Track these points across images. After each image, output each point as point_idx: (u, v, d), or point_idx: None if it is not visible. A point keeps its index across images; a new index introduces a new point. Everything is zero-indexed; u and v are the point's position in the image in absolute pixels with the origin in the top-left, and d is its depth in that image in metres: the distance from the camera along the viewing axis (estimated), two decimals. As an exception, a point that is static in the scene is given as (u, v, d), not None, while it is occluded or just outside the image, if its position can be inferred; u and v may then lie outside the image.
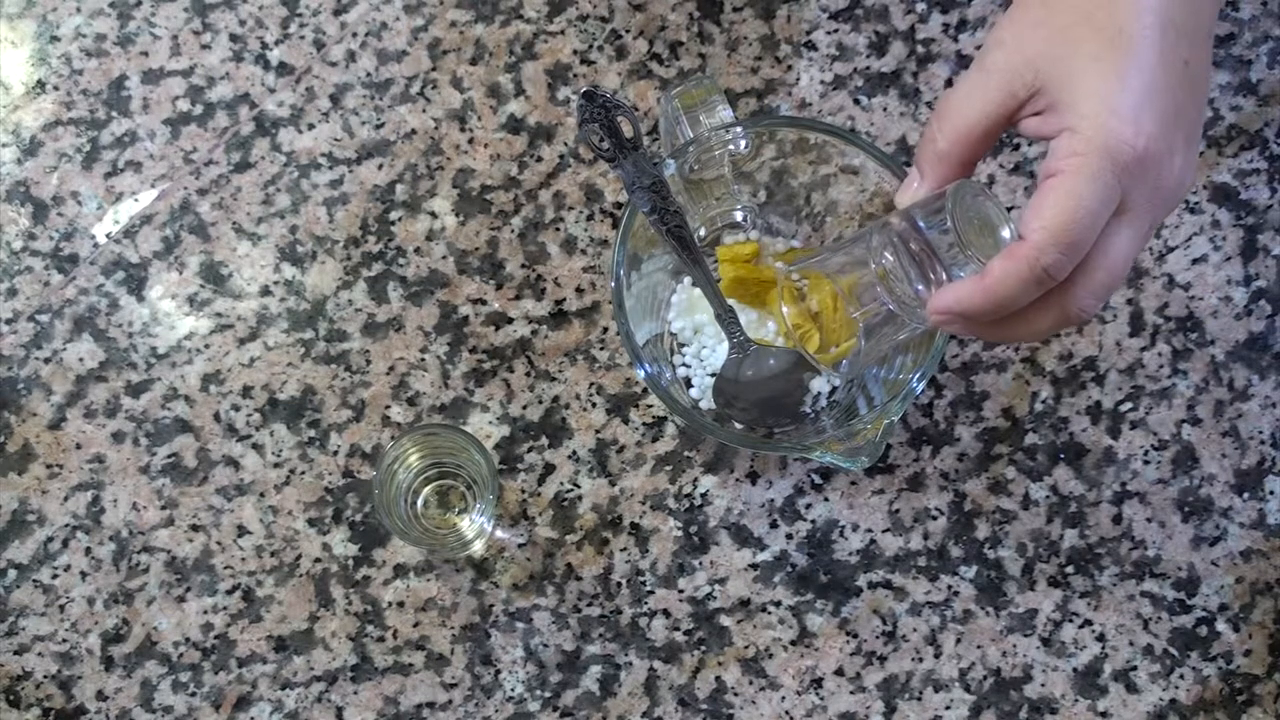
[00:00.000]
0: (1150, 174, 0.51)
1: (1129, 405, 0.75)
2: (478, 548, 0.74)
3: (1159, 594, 0.74)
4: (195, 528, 0.74)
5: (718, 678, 0.73)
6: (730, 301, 0.70)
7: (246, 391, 0.75)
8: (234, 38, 0.78)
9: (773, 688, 0.73)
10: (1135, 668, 0.73)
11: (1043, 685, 0.73)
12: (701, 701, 0.73)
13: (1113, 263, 0.52)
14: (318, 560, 0.74)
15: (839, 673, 0.73)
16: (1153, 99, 0.51)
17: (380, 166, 0.77)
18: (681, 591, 0.74)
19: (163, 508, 0.74)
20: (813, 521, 0.74)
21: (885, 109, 0.77)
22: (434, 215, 0.76)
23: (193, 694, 0.73)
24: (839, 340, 0.71)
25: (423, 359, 0.75)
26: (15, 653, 0.73)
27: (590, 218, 0.76)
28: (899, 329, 0.58)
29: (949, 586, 0.74)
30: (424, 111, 0.77)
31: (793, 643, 0.73)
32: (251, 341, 0.75)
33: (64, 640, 0.73)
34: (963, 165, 0.55)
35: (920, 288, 0.55)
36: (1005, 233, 0.53)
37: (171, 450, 0.74)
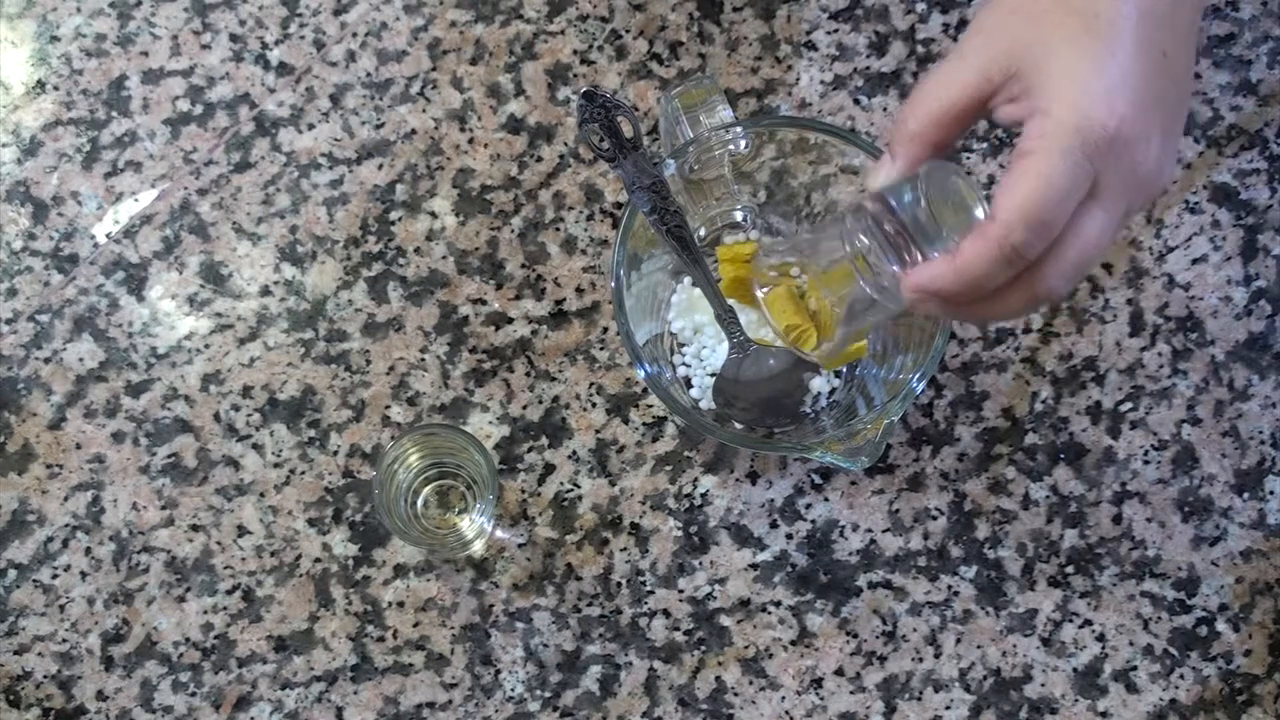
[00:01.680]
0: (1124, 157, 0.51)
1: (1129, 405, 0.75)
2: (478, 548, 0.74)
3: (1159, 594, 0.74)
4: (195, 528, 0.74)
5: (718, 678, 0.73)
6: (730, 301, 0.70)
7: (246, 391, 0.75)
8: (234, 38, 0.78)
9: (773, 688, 0.73)
10: (1135, 668, 0.73)
11: (1043, 685, 0.73)
12: (701, 701, 0.73)
13: (1084, 244, 0.52)
14: (318, 560, 0.74)
15: (839, 673, 0.73)
16: (1127, 82, 0.50)
17: (380, 166, 0.77)
18: (681, 591, 0.74)
19: (163, 508, 0.74)
20: (813, 521, 0.74)
21: (885, 109, 0.77)
22: (434, 215, 0.76)
23: (193, 694, 0.73)
24: (831, 338, 0.71)
25: (423, 359, 0.75)
26: (15, 653, 0.73)
27: (590, 218, 0.76)
28: (876, 312, 0.58)
29: (949, 586, 0.74)
30: (424, 111, 0.77)
31: (793, 643, 0.73)
32: (251, 341, 0.75)
33: (64, 640, 0.73)
34: (934, 147, 0.55)
35: (896, 268, 0.54)
36: (979, 211, 0.53)
37: (171, 450, 0.74)
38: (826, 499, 0.74)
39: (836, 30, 0.78)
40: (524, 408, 0.75)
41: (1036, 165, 0.50)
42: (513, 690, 0.73)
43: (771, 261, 0.62)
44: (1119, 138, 0.50)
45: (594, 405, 0.75)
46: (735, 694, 0.73)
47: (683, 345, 0.74)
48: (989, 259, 0.51)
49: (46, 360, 0.75)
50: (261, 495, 0.74)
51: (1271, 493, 0.75)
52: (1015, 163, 0.51)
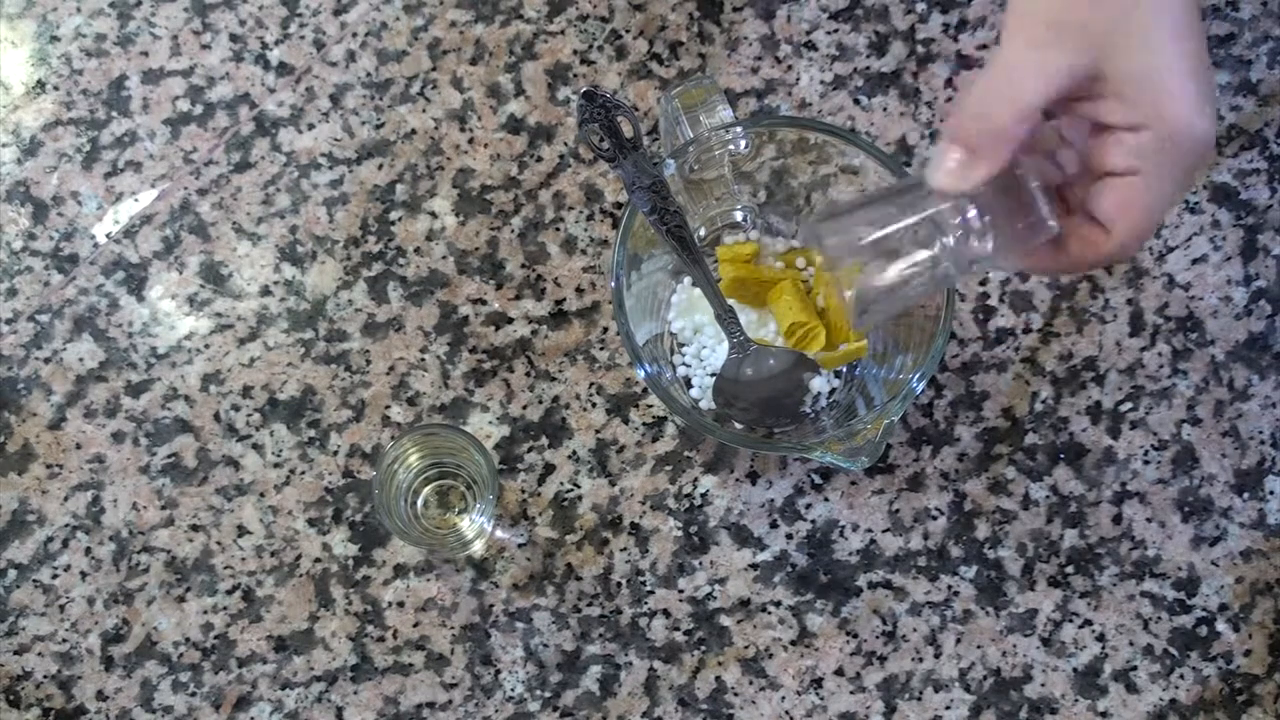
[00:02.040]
0: (1207, 155, 0.54)
1: (1129, 405, 0.75)
2: (478, 548, 0.74)
3: (1159, 594, 0.74)
4: (195, 528, 0.74)
5: (718, 678, 0.73)
6: (730, 301, 0.70)
7: (246, 391, 0.75)
8: (234, 38, 0.78)
9: (773, 688, 0.73)
10: (1135, 668, 0.73)
11: (1043, 685, 0.73)
12: (701, 701, 0.73)
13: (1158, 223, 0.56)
14: (318, 560, 0.74)
15: (839, 673, 0.73)
16: (1207, 81, 0.51)
17: (380, 166, 0.77)
18: (681, 591, 0.74)
19: (163, 508, 0.74)
20: (813, 521, 0.74)
21: (885, 109, 0.77)
22: (434, 215, 0.76)
23: (193, 694, 0.73)
24: (848, 337, 0.71)
25: (423, 359, 0.75)
26: (15, 653, 0.73)
27: (590, 218, 0.76)
28: (901, 297, 0.56)
29: (949, 586, 0.74)
30: (424, 111, 0.77)
31: (793, 643, 0.73)
32: (251, 341, 0.75)
33: (64, 640, 0.73)
34: (1018, 144, 0.53)
35: (977, 243, 0.54)
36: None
37: (171, 450, 0.74)
38: (826, 499, 0.74)
39: (836, 30, 0.78)
40: (524, 408, 0.75)
41: (1153, 187, 0.51)
42: (513, 690, 0.73)
43: (816, 230, 0.59)
44: (1209, 144, 0.51)
45: (594, 405, 0.75)
46: (735, 694, 0.73)
47: (683, 345, 0.74)
48: (1097, 262, 0.54)
49: (46, 360, 0.75)
50: (261, 495, 0.74)
51: (1271, 493, 0.75)
52: (1126, 179, 0.52)
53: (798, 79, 0.78)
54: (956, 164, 0.52)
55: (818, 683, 0.73)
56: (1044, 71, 0.51)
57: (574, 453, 0.75)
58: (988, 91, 0.52)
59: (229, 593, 0.73)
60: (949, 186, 0.53)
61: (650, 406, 0.75)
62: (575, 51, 0.78)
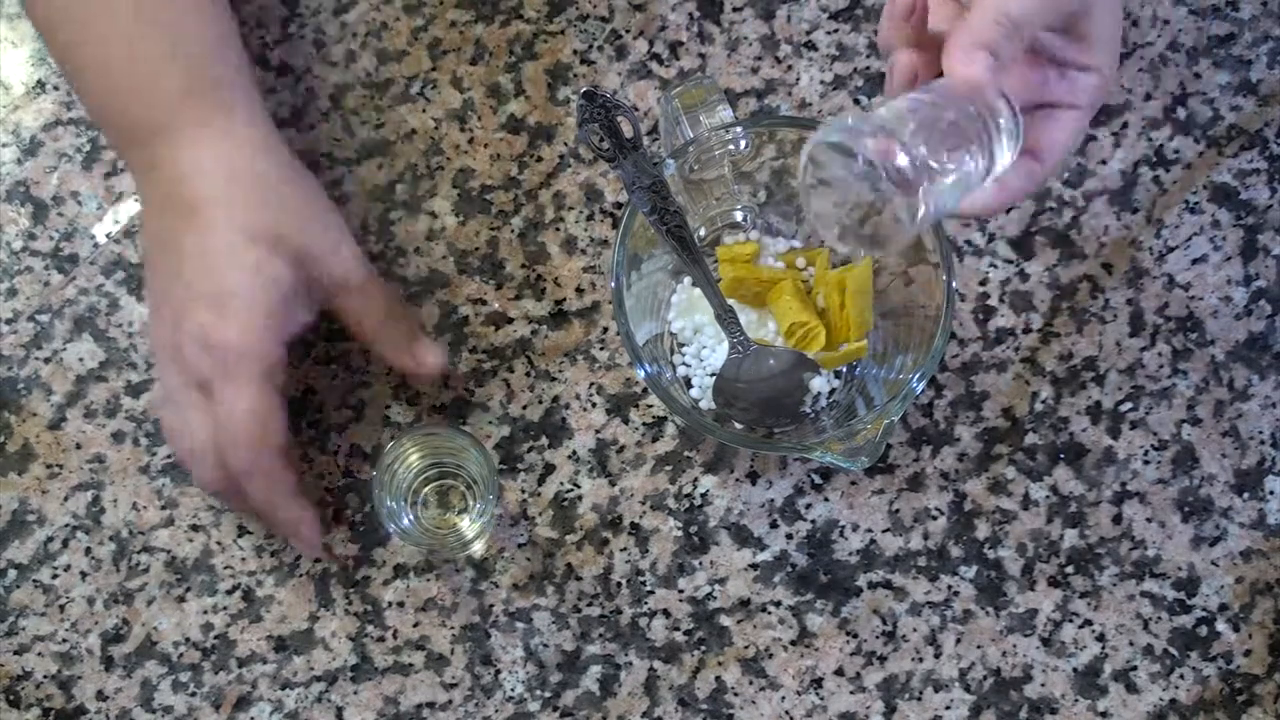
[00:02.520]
0: None
1: (1129, 405, 0.75)
2: (478, 548, 0.74)
3: (1159, 594, 0.74)
4: (195, 528, 0.74)
5: (718, 678, 0.73)
6: (730, 301, 0.70)
7: (246, 391, 0.75)
8: (234, 38, 0.78)
9: (773, 688, 0.73)
10: (1135, 668, 0.73)
11: (1043, 685, 0.73)
12: (701, 701, 0.73)
13: None
14: (318, 560, 0.74)
15: (839, 673, 0.73)
16: None
17: (380, 166, 0.77)
18: (681, 591, 0.74)
19: (163, 508, 0.74)
20: (813, 521, 0.74)
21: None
22: (434, 215, 0.76)
23: (193, 694, 0.73)
24: (848, 337, 0.71)
25: (423, 359, 0.75)
26: (15, 653, 0.73)
27: (590, 218, 0.76)
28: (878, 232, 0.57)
29: (949, 586, 0.74)
30: (424, 111, 0.77)
31: (793, 643, 0.73)
32: (251, 341, 0.75)
33: (64, 640, 0.73)
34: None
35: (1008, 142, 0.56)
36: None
37: (171, 450, 0.74)
38: (826, 499, 0.74)
39: (836, 30, 0.78)
40: (524, 408, 0.75)
41: (1080, 121, 0.58)
42: (513, 690, 0.73)
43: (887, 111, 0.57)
44: None
45: (594, 405, 0.75)
46: (735, 694, 0.73)
47: (683, 345, 0.74)
48: (1027, 192, 0.58)
49: (46, 360, 0.75)
50: (261, 495, 0.74)
51: (1271, 493, 0.75)
52: (1063, 112, 0.57)
53: (798, 79, 0.78)
54: (981, 63, 0.53)
55: (818, 683, 0.73)
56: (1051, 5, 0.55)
57: (574, 453, 0.75)
58: (1012, 17, 0.54)
59: (229, 593, 0.73)
60: (979, 77, 0.53)
61: (650, 406, 0.75)
62: (575, 51, 0.78)
